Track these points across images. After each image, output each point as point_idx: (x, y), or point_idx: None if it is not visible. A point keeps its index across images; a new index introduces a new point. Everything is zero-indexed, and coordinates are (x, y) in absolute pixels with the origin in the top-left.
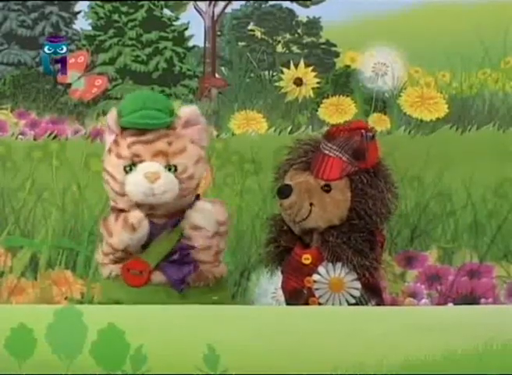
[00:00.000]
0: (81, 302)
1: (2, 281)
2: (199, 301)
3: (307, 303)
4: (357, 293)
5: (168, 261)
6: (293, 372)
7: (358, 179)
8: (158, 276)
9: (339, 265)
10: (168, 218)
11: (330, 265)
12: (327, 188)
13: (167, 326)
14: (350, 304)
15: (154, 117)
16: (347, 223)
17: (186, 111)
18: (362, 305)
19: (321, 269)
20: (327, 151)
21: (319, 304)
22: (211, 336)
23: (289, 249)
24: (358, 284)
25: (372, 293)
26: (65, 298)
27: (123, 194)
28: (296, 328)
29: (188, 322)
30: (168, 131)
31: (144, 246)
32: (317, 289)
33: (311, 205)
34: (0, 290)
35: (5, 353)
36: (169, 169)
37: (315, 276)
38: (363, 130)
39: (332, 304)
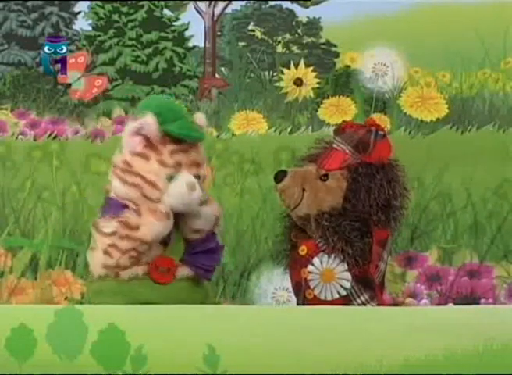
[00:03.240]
0: (81, 302)
1: (2, 281)
2: (213, 295)
3: (305, 295)
4: (347, 284)
5: (196, 251)
6: (293, 372)
7: (356, 170)
8: (181, 271)
9: (332, 256)
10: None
11: (325, 256)
12: (325, 178)
13: (167, 326)
14: (341, 296)
15: (197, 130)
16: (339, 210)
17: (202, 118)
18: (354, 297)
19: (315, 260)
20: (335, 145)
21: (315, 296)
22: (211, 336)
23: (296, 243)
24: (349, 275)
25: (364, 286)
26: (65, 298)
27: (156, 200)
28: (296, 328)
29: (188, 322)
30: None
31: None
32: (311, 280)
33: (303, 190)
34: (0, 290)
35: (6, 353)
36: (197, 178)
37: (309, 267)
38: (372, 127)
39: (325, 295)
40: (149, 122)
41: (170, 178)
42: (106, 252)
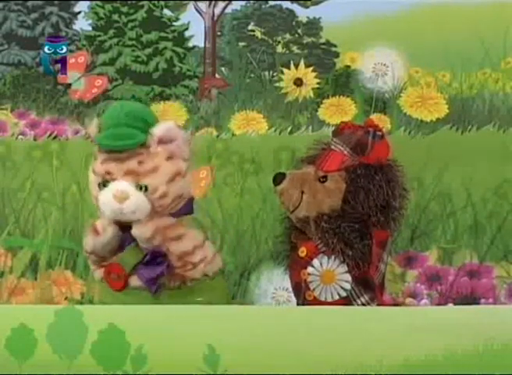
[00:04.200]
0: (81, 302)
1: (2, 281)
2: (178, 303)
3: (304, 296)
4: (347, 286)
5: (143, 263)
6: (293, 372)
7: (354, 171)
8: (134, 281)
9: (332, 257)
10: None
11: (325, 258)
12: (323, 179)
13: (167, 326)
14: (341, 297)
15: (126, 137)
16: (338, 212)
17: (160, 128)
18: (354, 298)
19: (315, 261)
20: (333, 146)
21: (314, 297)
22: (211, 336)
23: (296, 245)
24: (349, 277)
25: (364, 287)
26: (65, 298)
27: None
28: (295, 328)
29: (188, 322)
30: (140, 150)
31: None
32: (310, 282)
33: (302, 193)
34: (0, 290)
35: (6, 353)
36: (140, 189)
37: (309, 269)
38: (370, 128)
39: (325, 297)
40: (90, 130)
41: (102, 186)
42: None
